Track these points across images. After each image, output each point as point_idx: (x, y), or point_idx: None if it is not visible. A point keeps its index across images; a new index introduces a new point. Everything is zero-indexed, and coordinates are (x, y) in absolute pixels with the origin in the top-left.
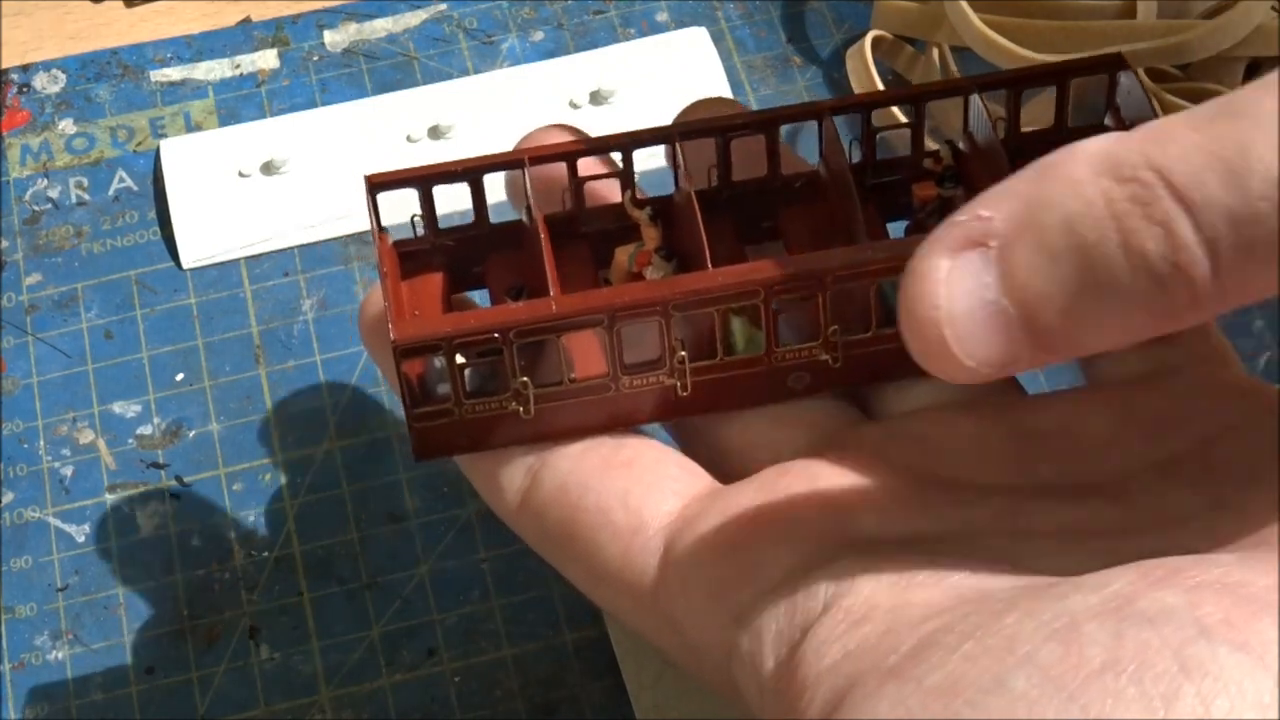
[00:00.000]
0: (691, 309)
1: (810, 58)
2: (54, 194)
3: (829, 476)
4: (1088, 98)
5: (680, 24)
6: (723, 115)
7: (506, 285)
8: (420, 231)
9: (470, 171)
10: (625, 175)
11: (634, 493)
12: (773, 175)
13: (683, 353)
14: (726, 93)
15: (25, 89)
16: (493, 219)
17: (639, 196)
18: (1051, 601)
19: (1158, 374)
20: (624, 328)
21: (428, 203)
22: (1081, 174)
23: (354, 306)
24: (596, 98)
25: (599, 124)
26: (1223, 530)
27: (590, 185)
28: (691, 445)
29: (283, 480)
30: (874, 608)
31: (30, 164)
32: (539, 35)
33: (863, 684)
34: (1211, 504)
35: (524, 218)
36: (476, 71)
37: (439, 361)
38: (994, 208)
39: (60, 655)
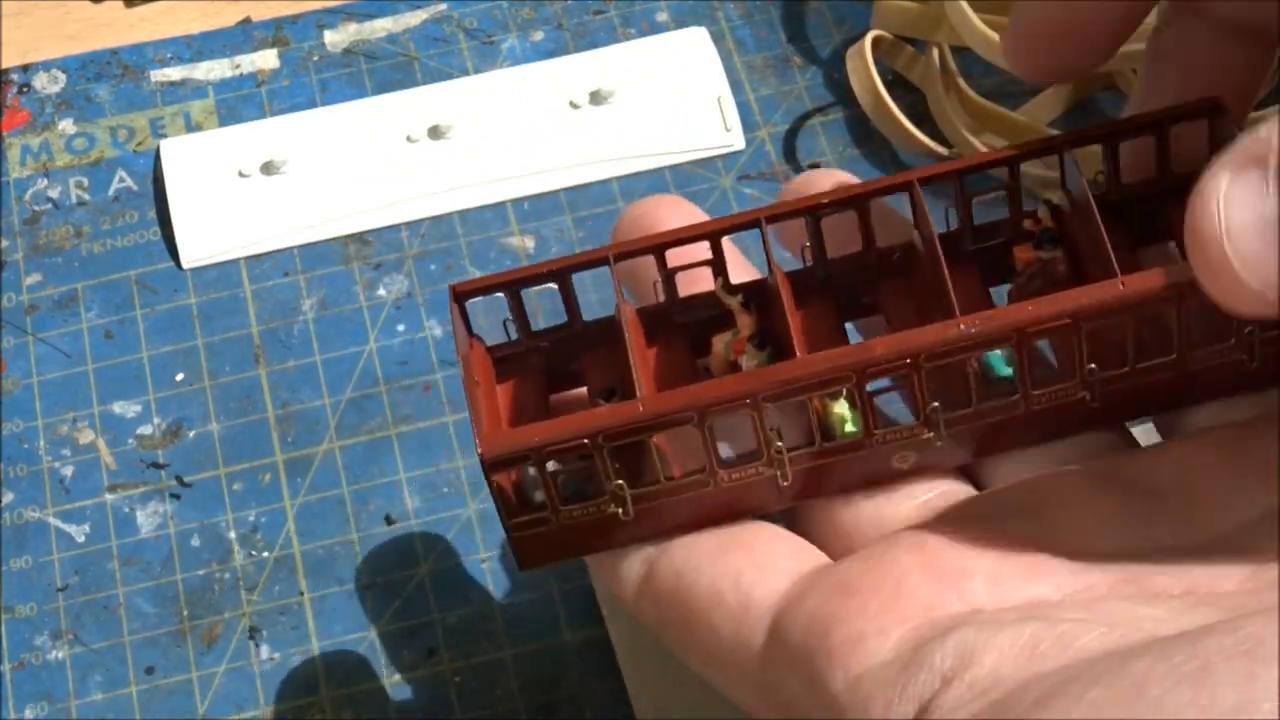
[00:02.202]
0: (783, 398)
1: (810, 58)
2: (54, 194)
3: (938, 546)
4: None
5: (680, 24)
6: (811, 195)
7: (602, 385)
8: (513, 335)
9: (557, 273)
10: (716, 262)
11: (746, 574)
12: (868, 250)
13: (779, 443)
14: (725, 92)
15: (25, 89)
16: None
17: (731, 283)
18: (1183, 646)
19: (1267, 418)
20: (718, 422)
21: (518, 306)
22: None
23: (354, 306)
24: (596, 98)
25: (599, 124)
26: None
27: (686, 273)
28: (802, 526)
29: (283, 480)
30: (1000, 680)
31: (30, 164)
32: (539, 35)
33: None
34: None
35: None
36: (476, 71)
37: (533, 470)
38: (1273, 126)
39: (60, 655)
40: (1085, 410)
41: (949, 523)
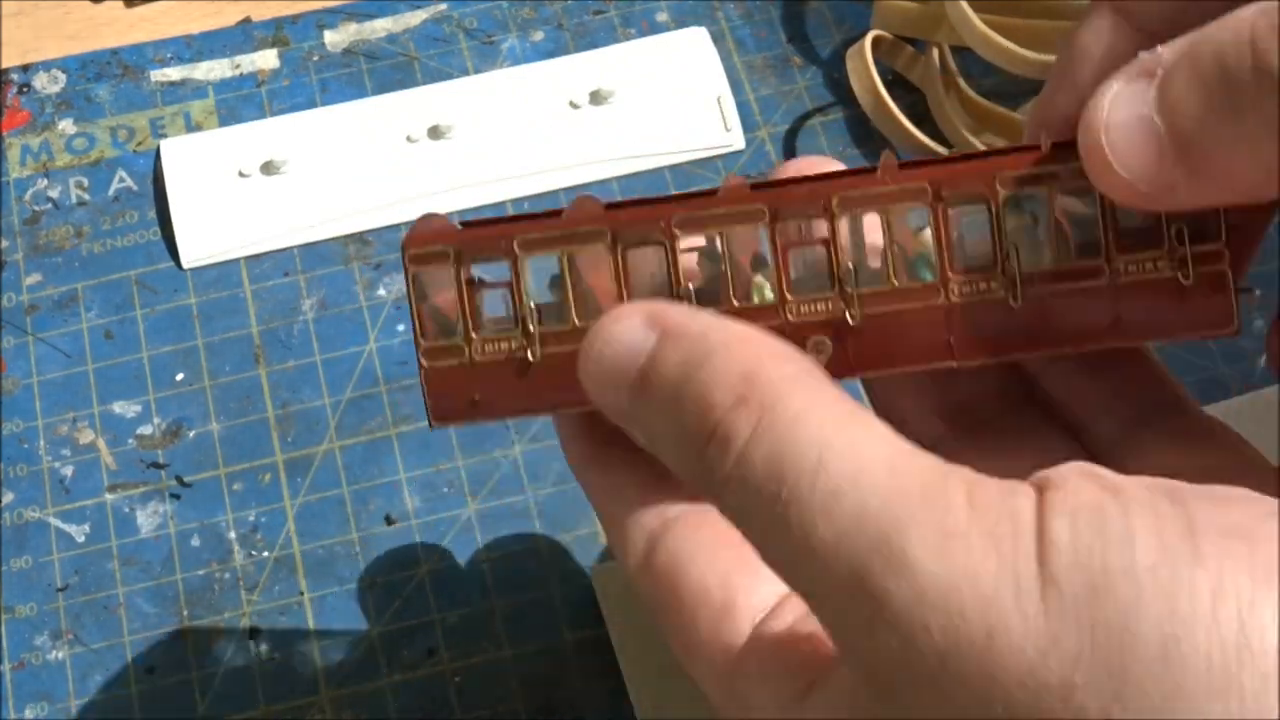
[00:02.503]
0: (693, 229)
1: (810, 58)
2: (54, 194)
3: None
4: None
5: (680, 24)
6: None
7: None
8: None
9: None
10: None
11: (734, 576)
12: None
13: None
14: (725, 92)
15: (25, 89)
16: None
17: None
18: None
19: None
20: (632, 256)
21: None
22: (1242, 15)
23: (354, 306)
24: (596, 98)
25: (599, 124)
26: None
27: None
28: None
29: (283, 480)
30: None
31: (30, 164)
32: (539, 35)
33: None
34: None
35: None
36: (476, 71)
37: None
38: (1168, 46)
39: (60, 655)
40: (1010, 318)
41: None
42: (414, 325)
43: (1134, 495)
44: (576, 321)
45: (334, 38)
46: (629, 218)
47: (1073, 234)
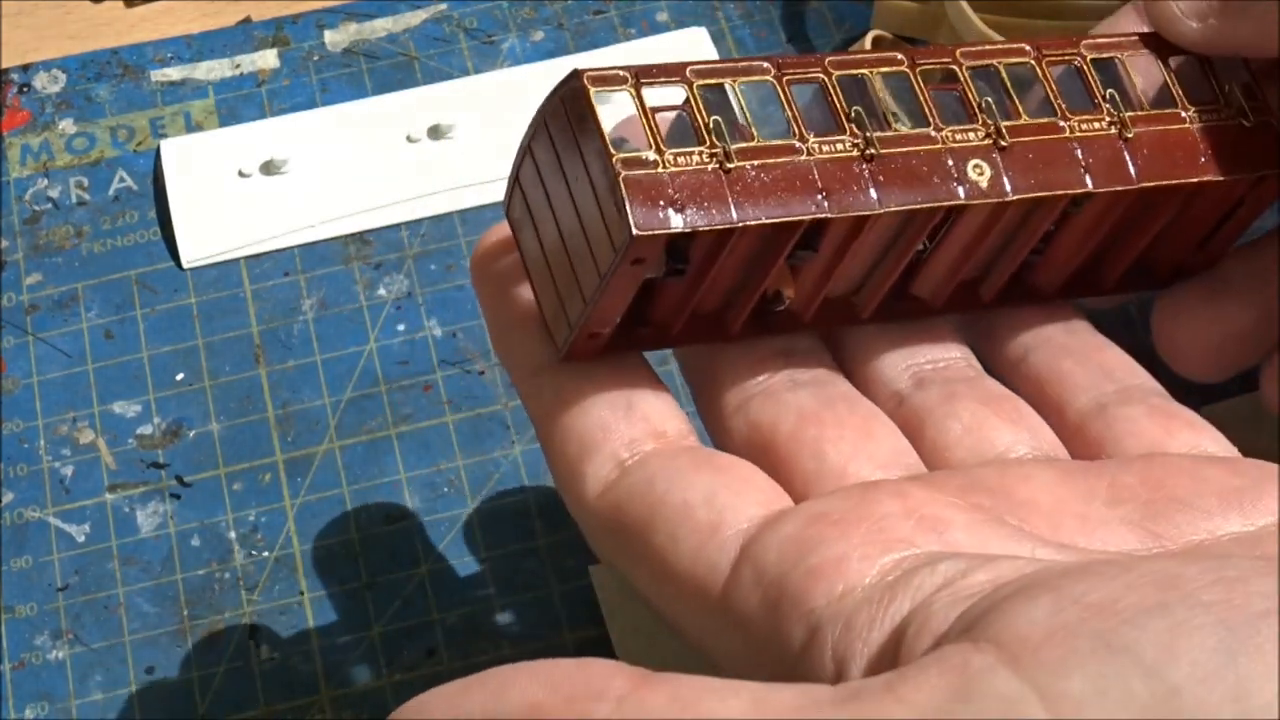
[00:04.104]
0: (844, 68)
1: None
2: (54, 194)
3: (920, 496)
4: None
5: (680, 24)
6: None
7: None
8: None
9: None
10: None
11: (720, 494)
12: None
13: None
14: None
15: (25, 89)
16: None
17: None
18: (1216, 557)
19: (1236, 463)
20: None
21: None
22: None
23: (354, 306)
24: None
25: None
26: None
27: None
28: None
29: (283, 480)
30: (1001, 585)
31: (30, 164)
32: (539, 35)
33: (1012, 598)
34: None
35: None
36: (476, 71)
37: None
38: None
39: (60, 655)
40: (1123, 151)
41: (926, 485)
42: (602, 147)
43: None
44: (759, 139)
45: (334, 38)
46: (788, 59)
47: (1145, 90)
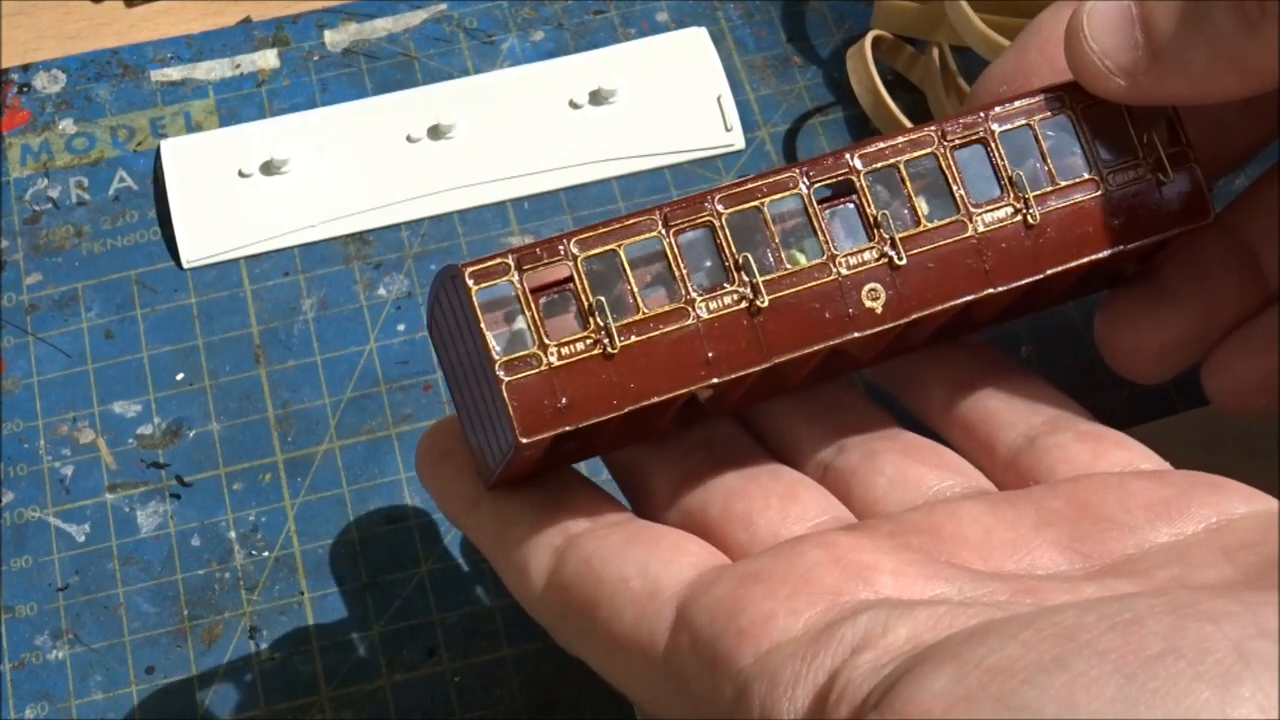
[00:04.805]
0: (734, 204)
1: (810, 58)
2: (54, 194)
3: (845, 544)
4: None
5: (680, 24)
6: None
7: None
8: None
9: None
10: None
11: (652, 564)
12: None
13: (745, 264)
14: (726, 92)
15: (25, 89)
16: None
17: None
18: (1112, 602)
19: (1162, 469)
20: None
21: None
22: None
23: (354, 306)
24: (596, 98)
25: (599, 124)
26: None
27: None
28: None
29: (283, 480)
30: (917, 644)
31: (30, 164)
32: (539, 35)
33: (917, 669)
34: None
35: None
36: (476, 71)
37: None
38: None
39: (60, 655)
40: (1026, 242)
41: (852, 533)
42: (482, 346)
43: None
44: (644, 310)
45: (334, 38)
46: (674, 208)
47: (1057, 158)
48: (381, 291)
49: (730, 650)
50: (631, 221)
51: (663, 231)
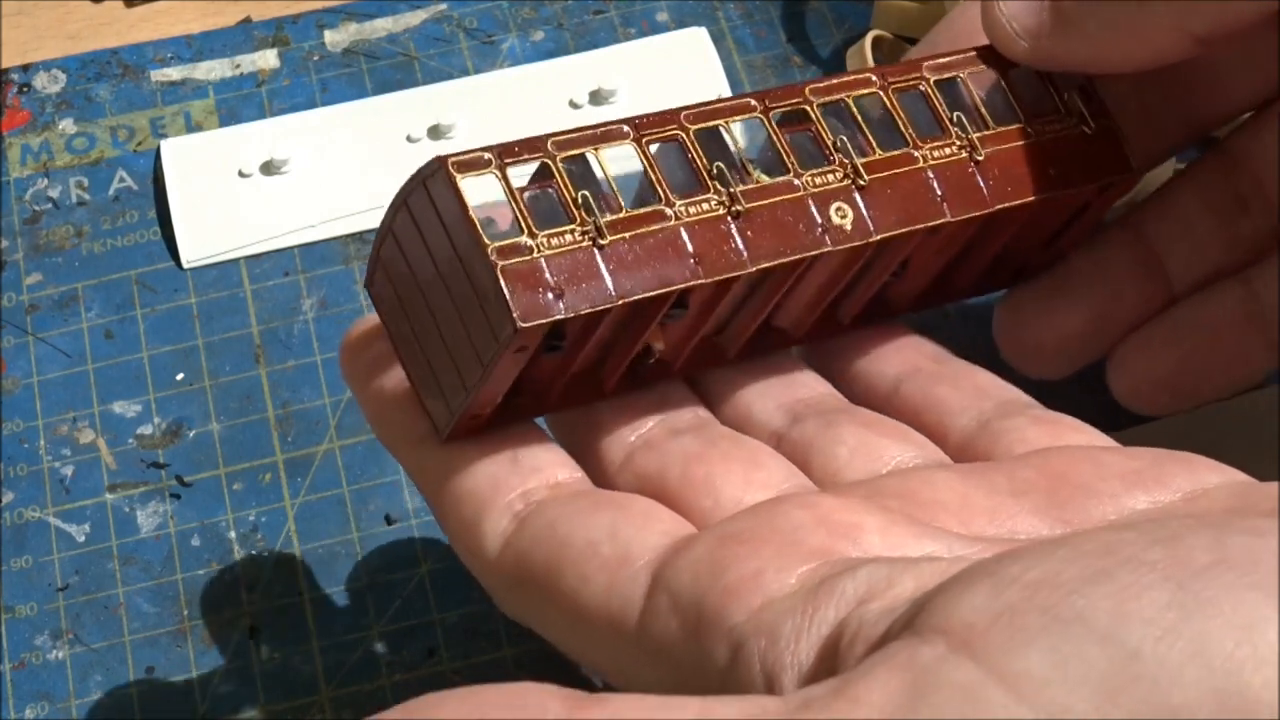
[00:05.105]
0: (702, 120)
1: (810, 58)
2: (54, 194)
3: (828, 505)
4: None
5: (680, 24)
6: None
7: None
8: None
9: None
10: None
11: (622, 529)
12: None
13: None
14: (725, 92)
15: (25, 89)
16: None
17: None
18: (1147, 523)
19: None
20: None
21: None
22: None
23: (354, 306)
24: (596, 98)
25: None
26: None
27: None
28: (703, 389)
29: (283, 480)
30: (928, 593)
31: (30, 164)
32: (539, 35)
33: (948, 589)
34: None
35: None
36: (476, 71)
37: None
38: None
39: (60, 655)
40: (974, 177)
41: (833, 494)
42: (475, 237)
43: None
44: (624, 209)
45: (334, 38)
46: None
47: (989, 107)
48: None
49: (717, 609)
50: (604, 130)
51: (635, 139)
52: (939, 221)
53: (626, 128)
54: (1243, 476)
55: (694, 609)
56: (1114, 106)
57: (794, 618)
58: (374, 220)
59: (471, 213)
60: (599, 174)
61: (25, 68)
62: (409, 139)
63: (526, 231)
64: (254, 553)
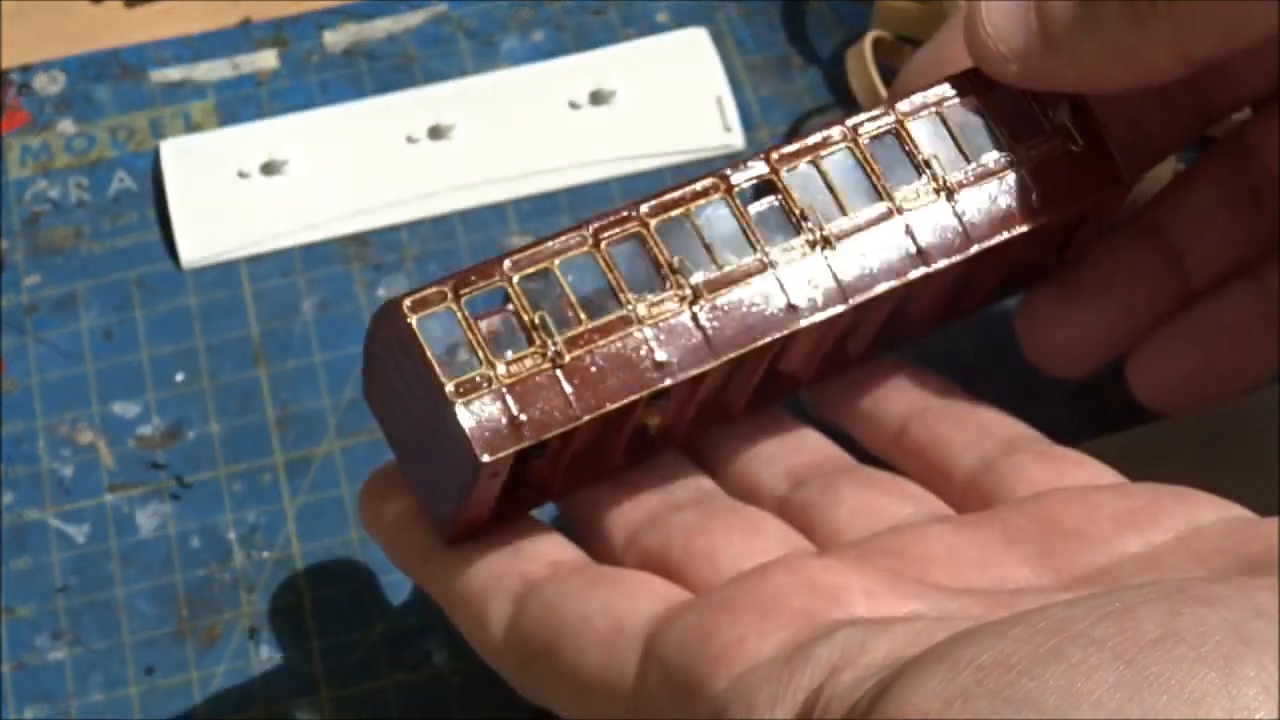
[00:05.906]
0: (661, 212)
1: (810, 58)
2: (54, 194)
3: (813, 567)
4: None
5: (680, 24)
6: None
7: None
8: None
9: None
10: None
11: (616, 602)
12: None
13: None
14: (725, 93)
15: (25, 89)
16: None
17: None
18: (1102, 596)
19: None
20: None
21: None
22: None
23: (354, 306)
24: (596, 98)
25: (599, 124)
26: None
27: None
28: (701, 457)
29: (283, 480)
30: (899, 660)
31: (30, 164)
32: (539, 35)
33: (907, 673)
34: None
35: None
36: (476, 72)
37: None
38: None
39: (60, 655)
40: (953, 220)
41: (819, 556)
42: (431, 376)
43: None
44: (586, 322)
45: (334, 38)
46: (601, 219)
47: (968, 140)
48: (381, 292)
49: (702, 678)
50: (562, 239)
51: (593, 246)
52: (919, 274)
53: (584, 233)
54: (1239, 510)
55: (681, 677)
56: (1102, 114)
57: (770, 685)
58: (374, 220)
59: (428, 354)
60: (557, 288)
61: (25, 68)
62: (409, 139)
63: (485, 363)
64: (254, 553)
